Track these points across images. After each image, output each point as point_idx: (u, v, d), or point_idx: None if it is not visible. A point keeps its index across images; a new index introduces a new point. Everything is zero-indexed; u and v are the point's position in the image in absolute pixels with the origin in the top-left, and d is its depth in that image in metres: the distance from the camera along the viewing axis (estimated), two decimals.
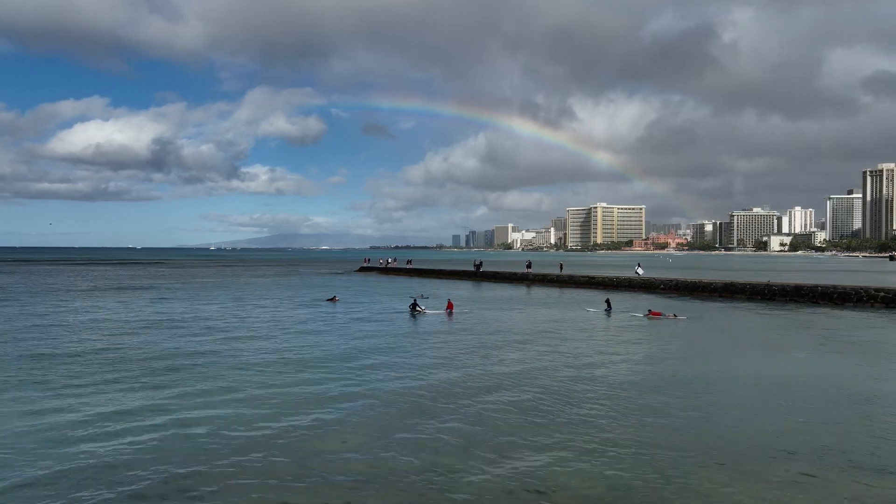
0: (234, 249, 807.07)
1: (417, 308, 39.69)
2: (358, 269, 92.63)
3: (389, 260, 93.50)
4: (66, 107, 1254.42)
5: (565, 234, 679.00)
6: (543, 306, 46.71)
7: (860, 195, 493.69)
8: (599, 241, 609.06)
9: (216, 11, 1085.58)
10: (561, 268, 68.67)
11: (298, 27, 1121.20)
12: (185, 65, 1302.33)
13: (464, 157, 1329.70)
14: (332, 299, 46.74)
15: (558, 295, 57.11)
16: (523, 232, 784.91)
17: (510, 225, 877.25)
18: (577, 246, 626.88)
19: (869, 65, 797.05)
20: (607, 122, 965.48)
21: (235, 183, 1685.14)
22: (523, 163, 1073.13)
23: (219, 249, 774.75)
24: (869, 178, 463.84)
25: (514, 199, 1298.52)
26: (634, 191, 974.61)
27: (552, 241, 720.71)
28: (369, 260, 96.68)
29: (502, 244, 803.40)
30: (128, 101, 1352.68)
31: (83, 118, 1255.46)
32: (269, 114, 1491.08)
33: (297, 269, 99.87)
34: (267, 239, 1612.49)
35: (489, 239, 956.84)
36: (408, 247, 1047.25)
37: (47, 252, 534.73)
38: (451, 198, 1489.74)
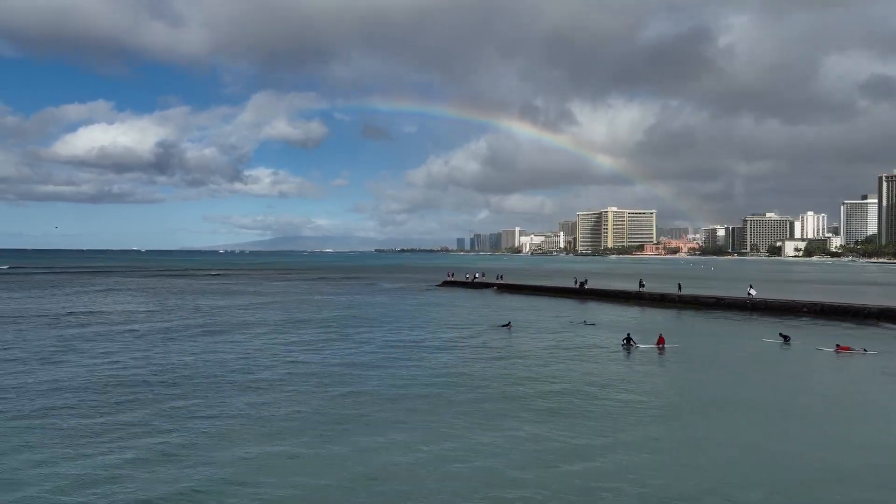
0: (242, 252, 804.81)
1: (632, 342, 38.38)
2: (441, 283, 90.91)
3: (477, 275, 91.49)
4: (71, 110, 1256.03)
5: (575, 239, 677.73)
6: (721, 337, 45.01)
7: (875, 200, 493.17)
8: (610, 245, 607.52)
9: (218, 17, 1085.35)
10: (680, 287, 67.49)
11: (299, 32, 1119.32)
12: (189, 69, 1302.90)
13: (465, 160, 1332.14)
14: (507, 326, 45.47)
15: (681, 318, 55.55)
16: (532, 236, 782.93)
17: (517, 228, 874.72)
18: (588, 250, 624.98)
19: (865, 69, 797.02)
20: (607, 126, 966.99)
21: (238, 185, 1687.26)
22: (525, 166, 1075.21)
23: (229, 253, 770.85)
24: (885, 184, 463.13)
25: (517, 201, 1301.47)
26: (637, 194, 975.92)
27: (561, 245, 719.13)
28: (453, 273, 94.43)
29: (510, 248, 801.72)
30: (132, 104, 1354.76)
31: (88, 121, 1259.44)
32: (272, 117, 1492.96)
33: (376, 282, 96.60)
34: (270, 241, 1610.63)
35: (494, 242, 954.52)
36: (413, 249, 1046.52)
37: (55, 254, 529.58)
38: (453, 200, 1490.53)
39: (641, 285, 68.53)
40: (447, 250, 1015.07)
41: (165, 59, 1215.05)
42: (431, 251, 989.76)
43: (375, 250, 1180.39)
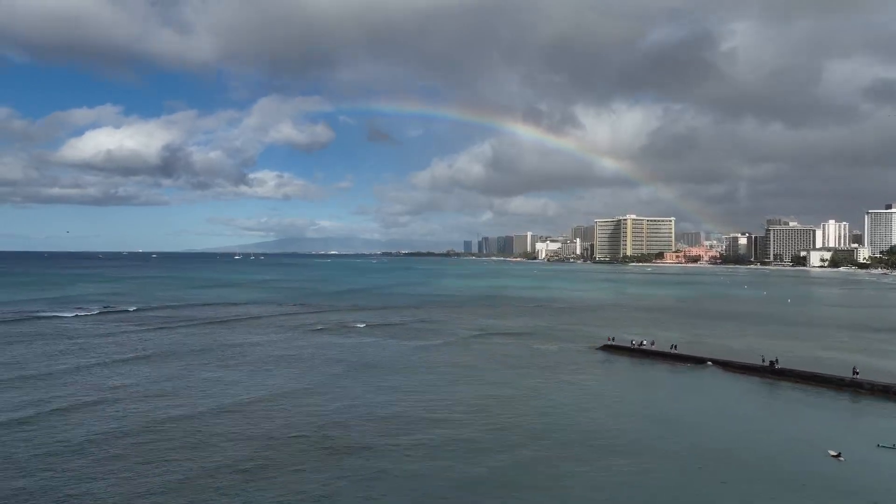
0: (257, 256, 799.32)
1: None
2: (601, 346, 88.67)
3: (644, 342, 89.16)
4: (79, 115, 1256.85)
5: (592, 245, 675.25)
6: None
7: None
8: (629, 253, 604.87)
9: (225, 24, 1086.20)
10: None
11: (305, 38, 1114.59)
12: (196, 75, 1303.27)
13: (469, 163, 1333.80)
14: (837, 456, 42.90)
15: None
16: (548, 242, 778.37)
17: (529, 233, 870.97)
18: (606, 258, 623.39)
19: (868, 73, 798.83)
20: (610, 129, 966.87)
21: (243, 188, 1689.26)
22: (528, 168, 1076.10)
23: (244, 256, 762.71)
24: None
25: (520, 204, 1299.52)
26: (641, 197, 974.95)
27: (577, 251, 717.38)
28: (613, 338, 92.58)
29: (523, 253, 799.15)
30: (139, 109, 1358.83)
31: (95, 125, 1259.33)
32: (278, 121, 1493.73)
33: (527, 342, 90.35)
34: (274, 243, 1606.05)
35: (503, 245, 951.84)
36: (418, 253, 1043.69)
37: (67, 257, 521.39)
38: (456, 203, 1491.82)
39: (856, 372, 66.90)
40: (455, 253, 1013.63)
41: (173, 64, 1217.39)
42: (437, 254, 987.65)
43: (382, 253, 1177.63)
